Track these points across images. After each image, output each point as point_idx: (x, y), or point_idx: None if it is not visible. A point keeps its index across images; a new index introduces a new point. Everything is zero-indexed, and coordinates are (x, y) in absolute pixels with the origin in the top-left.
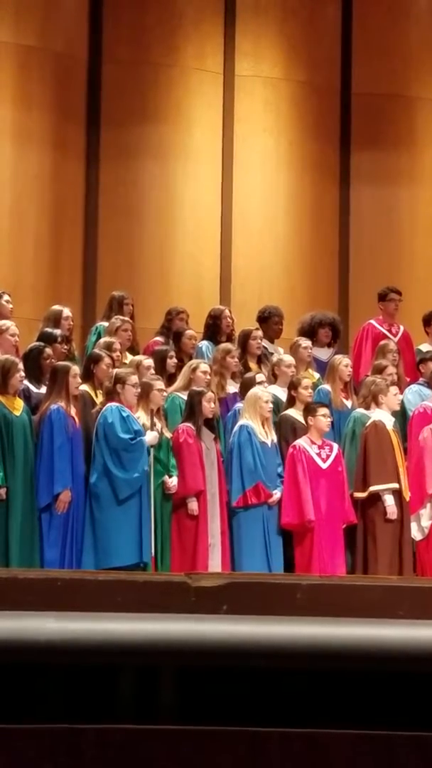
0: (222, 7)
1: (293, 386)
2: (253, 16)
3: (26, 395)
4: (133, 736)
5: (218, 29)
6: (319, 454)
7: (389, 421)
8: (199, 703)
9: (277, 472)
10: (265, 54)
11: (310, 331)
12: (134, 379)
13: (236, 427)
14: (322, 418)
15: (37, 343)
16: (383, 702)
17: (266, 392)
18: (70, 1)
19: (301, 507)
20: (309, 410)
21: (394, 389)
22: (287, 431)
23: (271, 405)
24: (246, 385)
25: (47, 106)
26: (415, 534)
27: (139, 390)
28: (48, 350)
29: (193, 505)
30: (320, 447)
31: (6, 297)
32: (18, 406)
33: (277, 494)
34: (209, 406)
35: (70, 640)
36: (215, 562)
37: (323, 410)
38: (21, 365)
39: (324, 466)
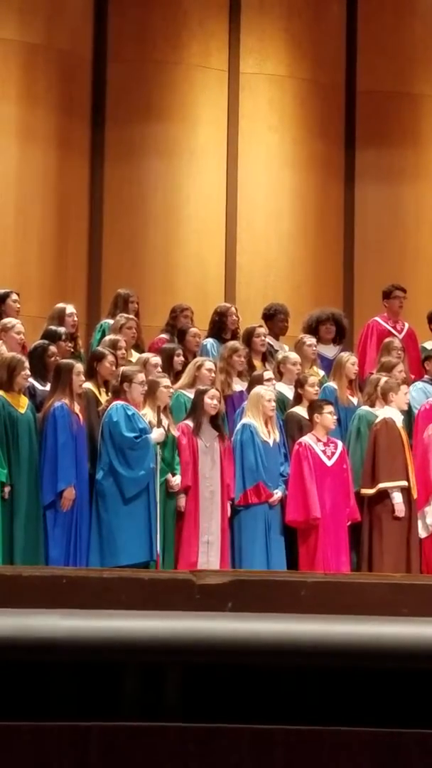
0: (227, 5)
1: (300, 384)
2: (258, 14)
3: (31, 393)
4: (138, 733)
5: (223, 27)
6: (324, 452)
7: (399, 419)
8: (203, 701)
9: (279, 472)
10: (270, 52)
11: (312, 329)
12: (141, 377)
13: (238, 426)
14: (329, 416)
15: (42, 341)
16: (388, 700)
17: (269, 391)
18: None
19: (307, 504)
20: (315, 408)
21: (404, 388)
22: (293, 429)
23: (273, 404)
24: (254, 383)
25: (52, 104)
26: (420, 531)
27: (146, 388)
28: (53, 348)
29: (180, 502)
30: (325, 444)
31: (14, 296)
32: (23, 404)
33: (278, 494)
34: (212, 404)
35: (75, 637)
36: (213, 560)
37: (329, 407)
38: (27, 363)
39: (329, 463)
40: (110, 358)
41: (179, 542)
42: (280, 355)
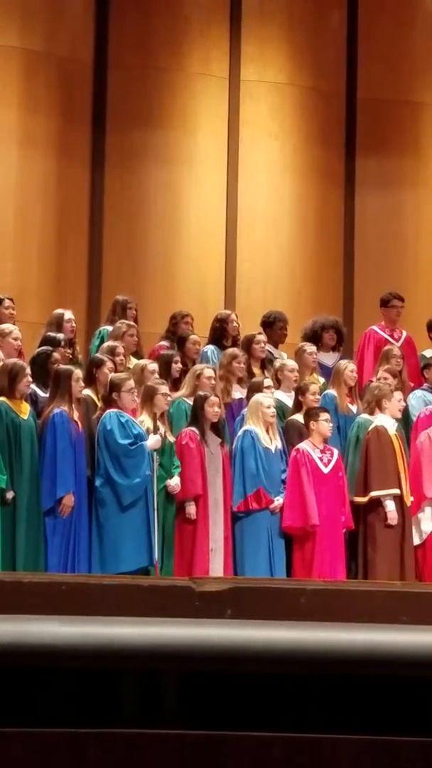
0: (228, 13)
1: (301, 392)
2: (259, 22)
3: (33, 399)
4: (137, 740)
5: (224, 34)
6: (321, 459)
7: (391, 426)
8: (202, 708)
9: (281, 479)
10: (270, 59)
11: (313, 336)
12: (129, 384)
13: (240, 432)
14: (325, 423)
15: (46, 348)
16: (387, 707)
17: (268, 398)
18: (76, 6)
19: (305, 511)
20: (311, 415)
21: (398, 395)
22: (293, 436)
23: (273, 410)
24: (253, 390)
25: (53, 110)
26: (414, 538)
27: (136, 394)
28: (56, 355)
29: (190, 509)
30: (322, 451)
31: (7, 303)
32: (25, 410)
33: (279, 500)
34: (213, 411)
35: (74, 644)
36: (217, 567)
37: (325, 415)
38: (28, 369)
39: (326, 470)
40: (109, 364)
41: (192, 550)
42: (277, 363)
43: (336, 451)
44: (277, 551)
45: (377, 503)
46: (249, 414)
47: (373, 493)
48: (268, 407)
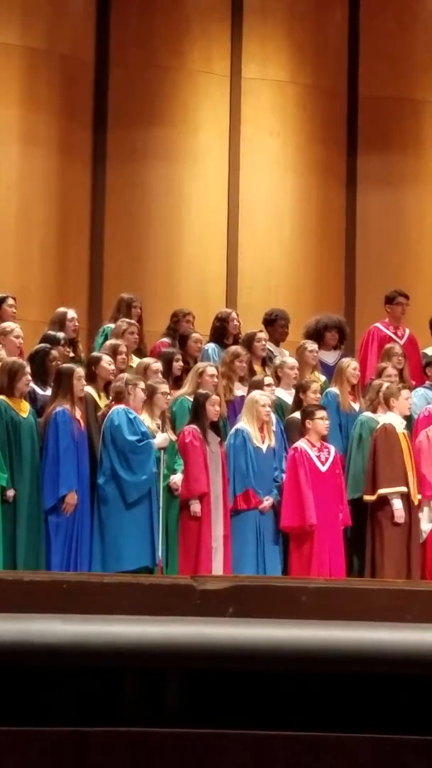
0: (229, 11)
1: (302, 389)
2: (260, 19)
3: (32, 397)
4: (138, 739)
5: (225, 32)
6: (318, 457)
7: (400, 425)
8: (204, 706)
9: (273, 478)
10: (271, 57)
11: (316, 334)
12: (144, 384)
13: (232, 431)
14: (321, 421)
15: (44, 345)
16: (389, 706)
17: (265, 396)
18: (78, 4)
19: (303, 510)
20: (307, 413)
21: (406, 393)
22: (295, 434)
23: (269, 409)
24: (254, 388)
25: (54, 108)
26: None
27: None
28: (54, 352)
29: (195, 507)
30: (319, 450)
31: (10, 301)
32: (24, 409)
33: (269, 500)
34: (214, 409)
35: (76, 643)
36: (218, 566)
37: (322, 413)
38: (28, 368)
39: (323, 469)
40: (107, 359)
41: (197, 549)
42: (277, 360)
43: (333, 449)
44: (269, 551)
45: (385, 501)
46: (244, 411)
47: (381, 491)
48: (264, 405)
